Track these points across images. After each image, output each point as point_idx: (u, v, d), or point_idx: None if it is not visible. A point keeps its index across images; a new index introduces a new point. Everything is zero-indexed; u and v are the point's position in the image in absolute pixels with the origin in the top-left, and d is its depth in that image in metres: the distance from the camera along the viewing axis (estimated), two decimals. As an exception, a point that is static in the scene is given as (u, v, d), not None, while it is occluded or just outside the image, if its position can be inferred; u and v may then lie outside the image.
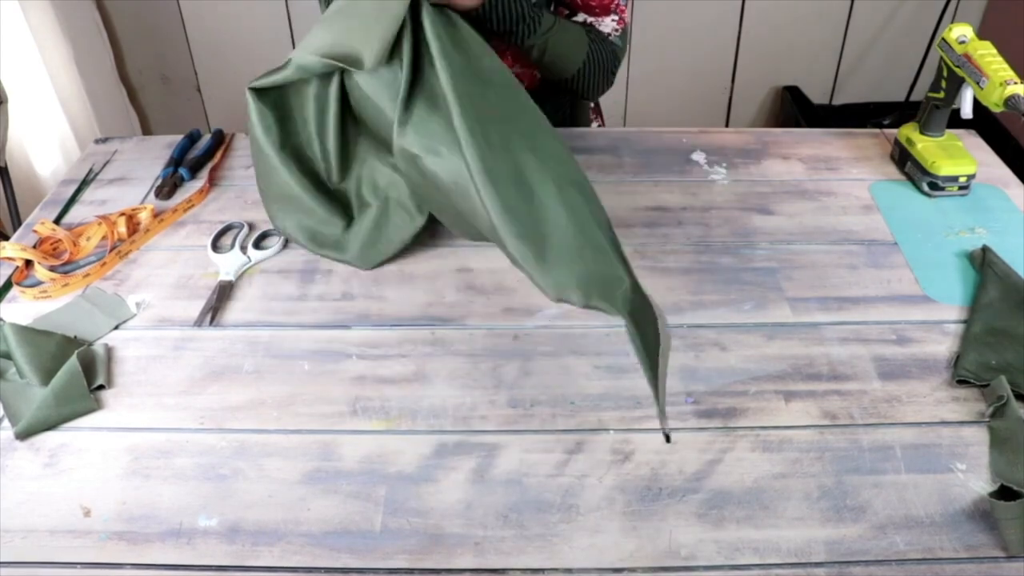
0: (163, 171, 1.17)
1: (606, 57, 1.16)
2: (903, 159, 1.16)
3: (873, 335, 0.89)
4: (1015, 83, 0.97)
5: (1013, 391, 0.79)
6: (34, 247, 1.02)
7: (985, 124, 1.25)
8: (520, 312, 0.93)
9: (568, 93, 1.20)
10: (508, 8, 1.04)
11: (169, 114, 2.37)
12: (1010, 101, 0.97)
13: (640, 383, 0.83)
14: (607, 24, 1.15)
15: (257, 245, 1.03)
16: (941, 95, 1.09)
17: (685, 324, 0.91)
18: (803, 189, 1.13)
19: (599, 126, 1.36)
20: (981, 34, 1.04)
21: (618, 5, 1.15)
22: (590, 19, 1.15)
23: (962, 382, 0.82)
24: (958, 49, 1.04)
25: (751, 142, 1.24)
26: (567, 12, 1.15)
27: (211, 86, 2.34)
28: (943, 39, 1.07)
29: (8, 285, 0.98)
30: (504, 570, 0.68)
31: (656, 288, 0.95)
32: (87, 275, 0.98)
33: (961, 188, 1.09)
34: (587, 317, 0.91)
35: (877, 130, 1.27)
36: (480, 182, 0.86)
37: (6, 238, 1.10)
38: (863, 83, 2.38)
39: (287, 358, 0.87)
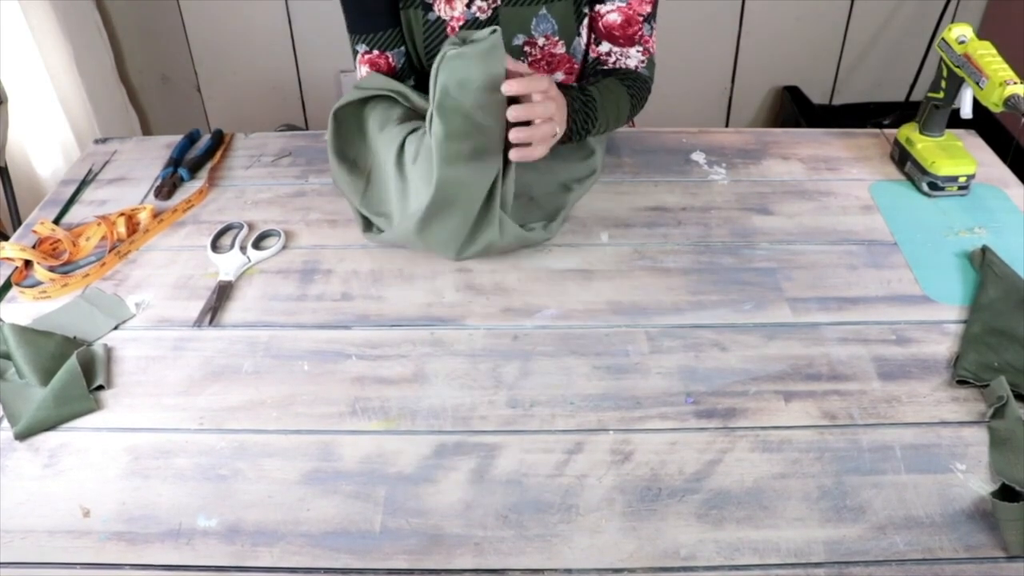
0: (163, 171, 1.17)
1: (642, 96, 1.14)
2: (903, 159, 1.16)
3: (873, 335, 0.89)
4: (1015, 83, 0.97)
5: (1013, 391, 0.79)
6: (34, 247, 1.02)
7: (985, 124, 1.25)
8: (520, 312, 0.93)
9: None
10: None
11: (169, 114, 2.37)
12: (1010, 101, 0.97)
13: (640, 383, 0.83)
14: (633, 56, 1.12)
15: (257, 245, 1.03)
16: (941, 95, 1.09)
17: (685, 324, 0.91)
18: (803, 189, 1.13)
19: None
20: (981, 34, 1.04)
21: (643, 36, 1.11)
22: (615, 49, 1.12)
23: (962, 382, 0.82)
24: (958, 49, 1.04)
25: (751, 142, 1.24)
26: (594, 40, 1.13)
27: (211, 86, 2.34)
28: (943, 39, 1.07)
29: (8, 285, 0.98)
30: (504, 570, 0.67)
31: (656, 288, 0.95)
32: (87, 275, 0.98)
33: (961, 188, 1.09)
34: (587, 317, 0.91)
35: (877, 130, 1.27)
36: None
37: (6, 238, 1.10)
38: (863, 83, 2.38)
39: (287, 358, 0.87)
